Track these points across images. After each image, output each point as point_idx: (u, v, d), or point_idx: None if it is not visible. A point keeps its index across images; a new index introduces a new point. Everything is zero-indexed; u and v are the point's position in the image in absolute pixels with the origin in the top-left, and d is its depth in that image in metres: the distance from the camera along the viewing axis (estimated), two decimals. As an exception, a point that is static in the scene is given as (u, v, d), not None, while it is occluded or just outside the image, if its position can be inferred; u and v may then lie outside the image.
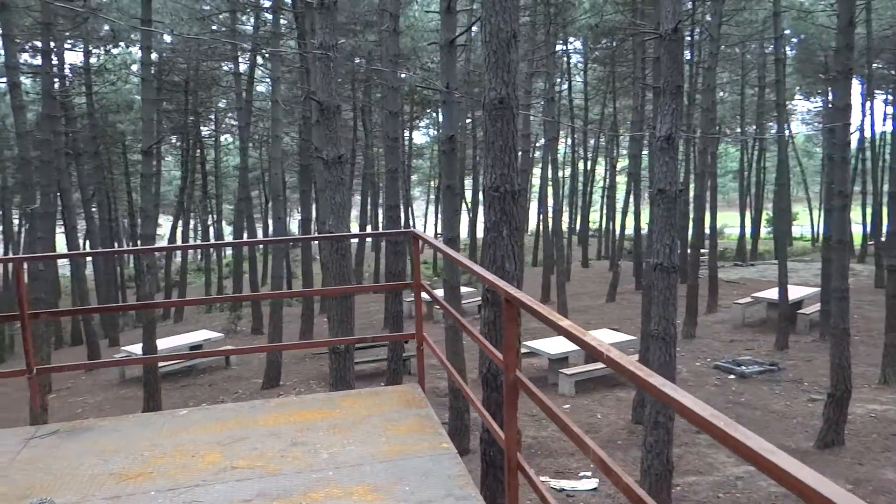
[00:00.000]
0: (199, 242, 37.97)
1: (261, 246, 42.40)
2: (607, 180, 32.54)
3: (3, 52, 12.51)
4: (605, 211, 36.21)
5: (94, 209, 26.66)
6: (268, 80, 29.50)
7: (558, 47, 25.42)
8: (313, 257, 28.54)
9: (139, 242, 16.13)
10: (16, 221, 32.41)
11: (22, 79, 25.15)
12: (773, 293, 15.78)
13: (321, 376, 13.62)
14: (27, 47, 22.65)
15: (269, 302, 14.57)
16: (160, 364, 14.21)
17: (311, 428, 3.86)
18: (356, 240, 30.10)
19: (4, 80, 22.12)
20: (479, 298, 19.07)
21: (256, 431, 3.86)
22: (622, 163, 37.61)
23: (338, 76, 6.11)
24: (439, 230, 46.00)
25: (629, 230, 30.86)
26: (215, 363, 15.62)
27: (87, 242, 28.47)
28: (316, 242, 31.74)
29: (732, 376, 12.51)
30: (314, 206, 23.15)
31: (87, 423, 4.09)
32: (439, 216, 43.17)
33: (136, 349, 13.80)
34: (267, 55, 16.65)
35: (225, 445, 3.68)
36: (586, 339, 1.93)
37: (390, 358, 11.95)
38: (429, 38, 22.45)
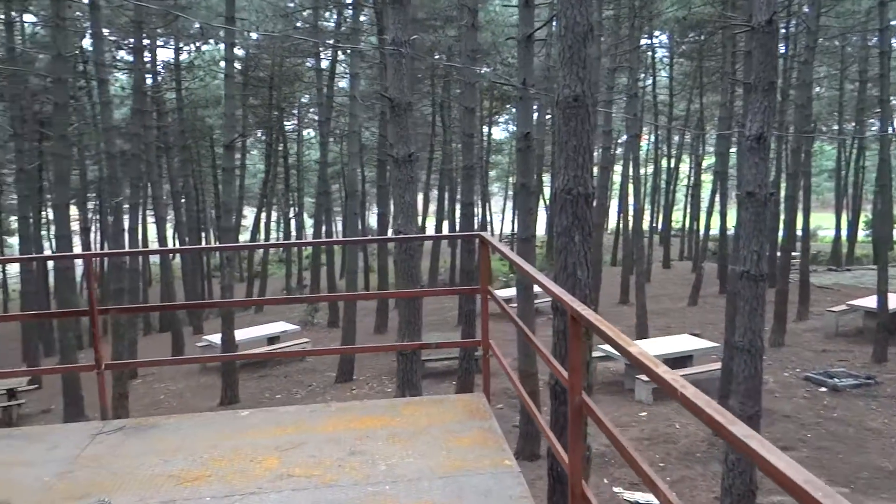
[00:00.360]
0: (272, 240, 38.89)
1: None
2: (692, 178, 31.42)
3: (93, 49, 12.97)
4: (688, 210, 35.00)
5: (182, 201, 27.62)
6: (349, 75, 29.91)
7: (643, 41, 24.66)
8: (389, 252, 28.84)
9: (219, 235, 16.54)
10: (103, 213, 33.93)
11: (119, 75, 26.37)
12: (870, 301, 14.77)
13: (394, 372, 13.60)
14: (123, 44, 23.59)
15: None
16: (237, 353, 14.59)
17: (371, 436, 3.75)
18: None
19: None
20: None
21: (315, 437, 3.77)
22: (708, 160, 36.30)
23: (415, 72, 5.99)
24: (516, 232, 45.59)
25: (714, 230, 29.73)
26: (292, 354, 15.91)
27: (176, 233, 29.54)
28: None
29: (824, 389, 11.79)
30: (392, 202, 23.30)
31: (153, 420, 4.11)
32: (515, 214, 42.76)
33: (217, 339, 14.14)
34: (347, 51, 16.77)
35: (283, 451, 3.60)
36: (659, 372, 1.72)
37: (462, 357, 11.82)
38: (508, 33, 22.17)
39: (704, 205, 29.18)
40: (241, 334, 15.23)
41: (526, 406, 3.59)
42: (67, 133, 11.24)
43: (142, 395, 13.92)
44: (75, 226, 18.50)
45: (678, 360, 11.85)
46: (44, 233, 25.75)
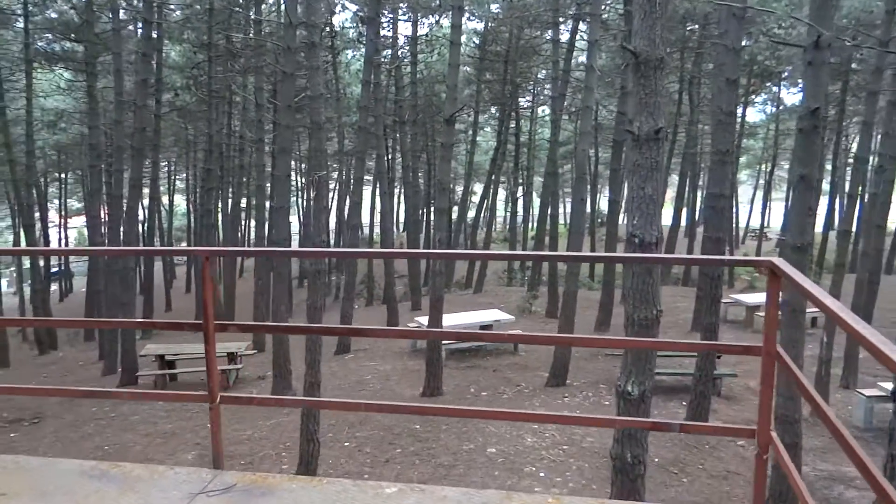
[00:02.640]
0: (497, 219, 38.24)
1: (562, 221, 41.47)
2: None
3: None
4: None
5: (419, 176, 27.77)
6: (587, 42, 28.08)
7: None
8: (620, 238, 26.81)
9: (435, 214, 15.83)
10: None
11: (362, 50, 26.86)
12: None
13: (612, 380, 12.02)
14: (360, 14, 23.83)
15: (565, 283, 13.23)
16: (446, 341, 13.80)
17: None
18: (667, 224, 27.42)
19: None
20: (815, 309, 15.66)
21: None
22: None
23: (666, 22, 4.37)
24: (767, 227, 40.81)
25: None
26: (504, 346, 14.86)
27: (402, 206, 29.94)
28: (623, 213, 29.81)
29: None
30: (625, 187, 21.30)
31: (271, 481, 3.05)
32: (784, 213, 38.50)
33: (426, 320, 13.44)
34: (587, 19, 15.17)
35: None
36: None
37: (698, 377, 9.92)
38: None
39: None
40: (450, 319, 14.48)
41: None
42: (292, 104, 10.95)
43: (351, 372, 13.67)
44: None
45: None
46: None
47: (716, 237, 10.20)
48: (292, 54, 10.32)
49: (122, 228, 15.35)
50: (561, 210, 36.98)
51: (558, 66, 20.57)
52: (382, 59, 20.05)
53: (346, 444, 9.31)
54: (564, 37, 22.75)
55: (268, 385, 12.63)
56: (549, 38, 23.27)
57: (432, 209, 36.95)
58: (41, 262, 26.52)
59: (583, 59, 30.91)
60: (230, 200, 26.23)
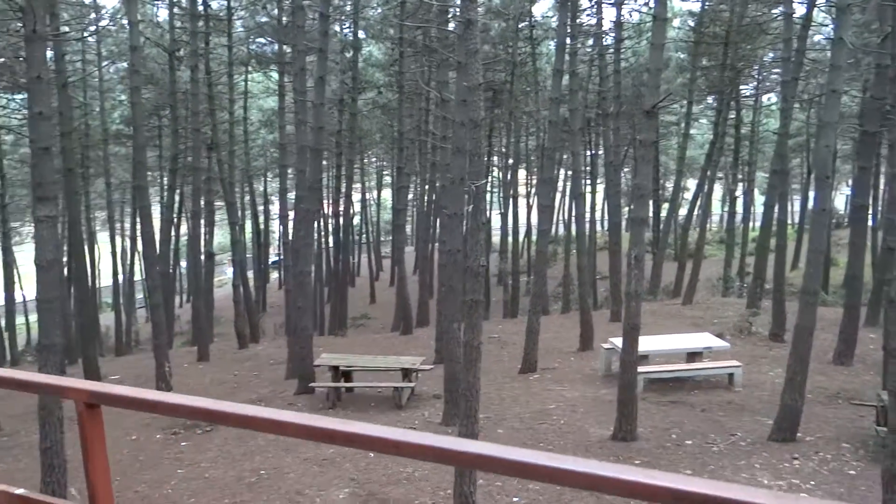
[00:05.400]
0: (711, 218, 34.74)
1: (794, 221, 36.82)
2: None
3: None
4: None
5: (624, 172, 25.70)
6: (829, 25, 24.11)
7: None
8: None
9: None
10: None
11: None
12: None
13: (859, 436, 9.47)
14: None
15: (799, 299, 10.59)
16: (644, 368, 11.88)
17: None
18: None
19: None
20: None
21: None
22: None
23: None
24: None
25: None
26: (717, 376, 12.57)
27: (605, 205, 27.86)
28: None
29: None
30: (872, 192, 17.73)
31: None
32: None
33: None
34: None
35: None
36: None
37: None
38: None
39: None
40: (650, 343, 12.49)
41: None
42: (468, 98, 9.69)
43: (533, 397, 12.23)
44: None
45: None
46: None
47: None
48: (464, 41, 9.04)
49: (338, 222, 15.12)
50: (790, 211, 32.70)
51: (790, 44, 17.50)
52: (579, 46, 18.33)
53: (513, 498, 7.91)
54: (800, 10, 19.46)
55: (442, 406, 11.57)
56: (779, 12, 20.04)
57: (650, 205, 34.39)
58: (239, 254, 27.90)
59: (818, 37, 26.83)
60: (425, 199, 25.87)
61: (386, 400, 12.40)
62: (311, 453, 9.71)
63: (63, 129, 16.02)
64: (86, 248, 23.76)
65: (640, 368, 10.93)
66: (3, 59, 21.44)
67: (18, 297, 29.34)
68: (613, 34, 22.57)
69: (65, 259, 20.08)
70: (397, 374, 12.56)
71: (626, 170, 37.74)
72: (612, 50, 22.69)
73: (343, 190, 26.19)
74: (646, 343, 11.75)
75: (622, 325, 9.99)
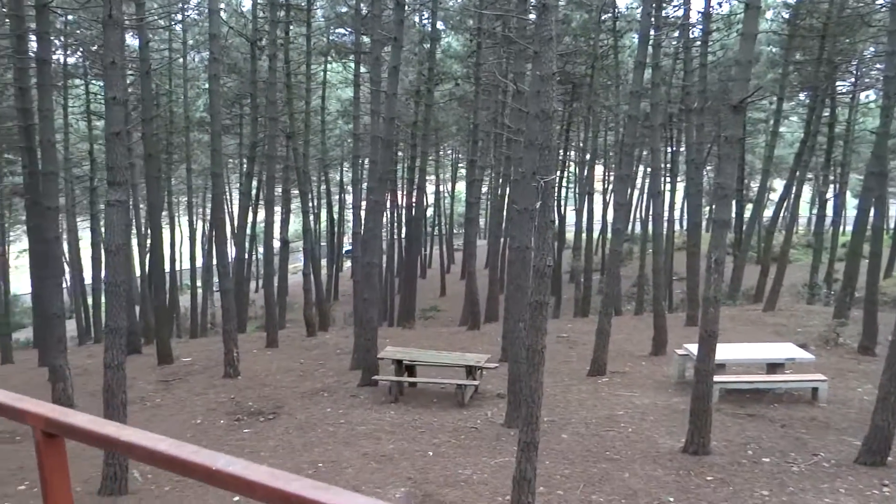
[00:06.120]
0: (800, 221, 33.06)
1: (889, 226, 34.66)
2: None
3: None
4: None
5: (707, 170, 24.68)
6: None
7: None
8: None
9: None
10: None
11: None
12: None
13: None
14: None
15: None
16: (720, 378, 11.27)
17: None
18: None
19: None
20: None
21: None
22: None
23: None
24: None
25: None
26: (799, 389, 11.80)
27: (685, 204, 26.84)
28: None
29: None
30: None
31: None
32: None
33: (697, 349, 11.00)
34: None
35: None
36: None
37: None
38: None
39: None
40: (728, 352, 11.85)
41: None
42: (544, 90, 9.30)
43: (601, 402, 11.78)
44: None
45: None
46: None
47: None
48: (540, 28, 8.66)
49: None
50: (887, 217, 30.73)
51: (896, 38, 16.29)
52: (664, 38, 17.59)
53: (575, 510, 7.54)
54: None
55: (505, 406, 11.26)
56: (884, 2, 18.73)
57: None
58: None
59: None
60: (498, 192, 25.51)
61: (449, 396, 12.19)
62: (370, 448, 9.58)
63: (144, 116, 16.42)
64: (167, 231, 24.48)
65: (717, 378, 10.34)
66: (94, 47, 22.24)
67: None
68: (701, 26, 21.62)
69: (147, 242, 20.71)
70: (461, 371, 12.32)
71: (707, 168, 36.37)
72: (698, 42, 21.77)
73: (416, 181, 26.10)
74: (723, 351, 11.14)
75: (698, 331, 9.42)
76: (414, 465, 8.86)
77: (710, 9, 20.84)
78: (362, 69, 22.83)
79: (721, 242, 9.12)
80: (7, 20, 15.81)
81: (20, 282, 34.16)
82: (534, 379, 6.18)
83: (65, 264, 34.66)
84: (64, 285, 31.91)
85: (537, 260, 6.22)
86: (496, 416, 11.03)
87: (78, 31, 22.98)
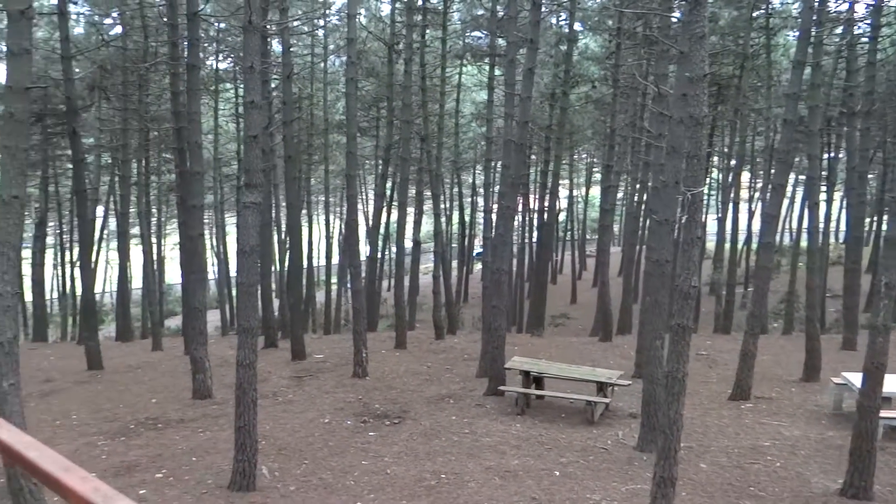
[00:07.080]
0: None
1: None
2: None
3: None
4: None
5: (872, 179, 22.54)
6: None
7: None
8: None
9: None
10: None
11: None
12: None
13: None
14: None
15: None
16: (883, 414, 10.06)
17: None
18: None
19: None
20: None
21: None
22: None
23: None
24: None
25: None
26: (979, 430, 10.37)
27: (845, 216, 24.63)
28: None
29: None
30: None
31: None
32: None
33: (858, 379, 9.86)
34: None
35: None
36: None
37: None
38: None
39: None
40: (894, 384, 10.58)
41: None
42: (692, 93, 8.65)
43: (744, 430, 10.87)
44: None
45: None
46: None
47: None
48: (689, 26, 8.02)
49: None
50: None
51: None
52: (825, 35, 16.10)
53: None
54: None
55: (638, 428, 10.62)
56: None
57: (883, 219, 30.26)
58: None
59: None
60: (634, 199, 24.54)
61: (578, 412, 11.68)
62: (493, 462, 9.29)
63: (285, 118, 16.98)
64: (305, 230, 25.34)
65: (882, 413, 9.23)
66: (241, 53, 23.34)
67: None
68: (869, 21, 19.70)
69: (286, 240, 21.48)
70: (592, 386, 11.78)
71: (870, 176, 33.37)
72: (865, 39, 19.85)
73: (549, 186, 25.57)
74: (889, 383, 9.94)
75: (864, 363, 8.42)
76: (539, 485, 8.47)
77: (881, 2, 18.93)
78: (497, 72, 22.59)
79: (893, 264, 8.10)
80: (166, 28, 16.84)
81: (174, 273, 36.85)
82: (673, 409, 5.65)
83: (214, 257, 36.92)
84: (211, 277, 33.98)
85: (681, 280, 5.68)
86: (628, 438, 10.42)
87: (229, 38, 24.31)
